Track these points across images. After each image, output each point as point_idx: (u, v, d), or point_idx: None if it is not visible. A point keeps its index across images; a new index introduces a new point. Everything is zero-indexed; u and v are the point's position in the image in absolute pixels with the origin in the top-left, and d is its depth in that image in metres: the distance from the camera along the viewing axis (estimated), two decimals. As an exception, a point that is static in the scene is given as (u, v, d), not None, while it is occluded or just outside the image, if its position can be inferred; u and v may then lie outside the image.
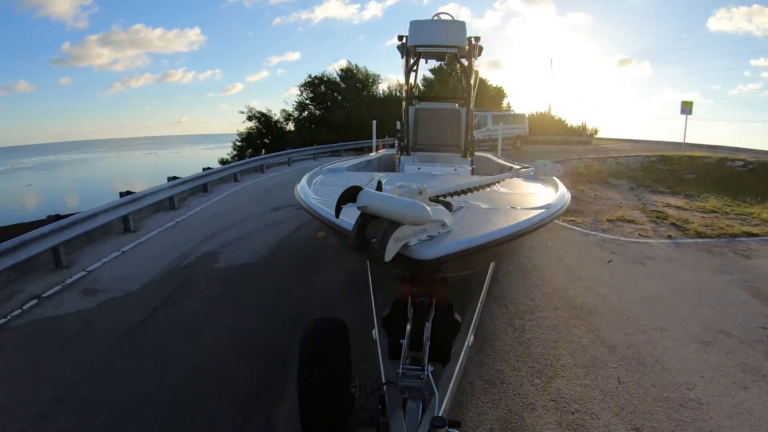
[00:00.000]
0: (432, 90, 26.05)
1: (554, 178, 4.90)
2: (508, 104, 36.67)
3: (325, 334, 2.32)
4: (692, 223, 8.21)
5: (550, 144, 27.40)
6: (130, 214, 7.89)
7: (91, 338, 4.11)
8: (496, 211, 3.36)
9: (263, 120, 28.04)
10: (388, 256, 2.01)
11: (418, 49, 7.24)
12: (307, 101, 29.43)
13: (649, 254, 6.40)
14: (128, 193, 8.22)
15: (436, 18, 7.59)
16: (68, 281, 5.48)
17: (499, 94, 34.96)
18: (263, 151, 19.77)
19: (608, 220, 8.24)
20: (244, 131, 27.92)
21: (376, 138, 9.17)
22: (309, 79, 29.10)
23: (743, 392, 3.27)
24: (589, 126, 34.65)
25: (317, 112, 28.90)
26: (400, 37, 7.47)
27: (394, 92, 28.95)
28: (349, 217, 2.29)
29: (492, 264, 4.35)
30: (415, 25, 7.18)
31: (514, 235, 2.74)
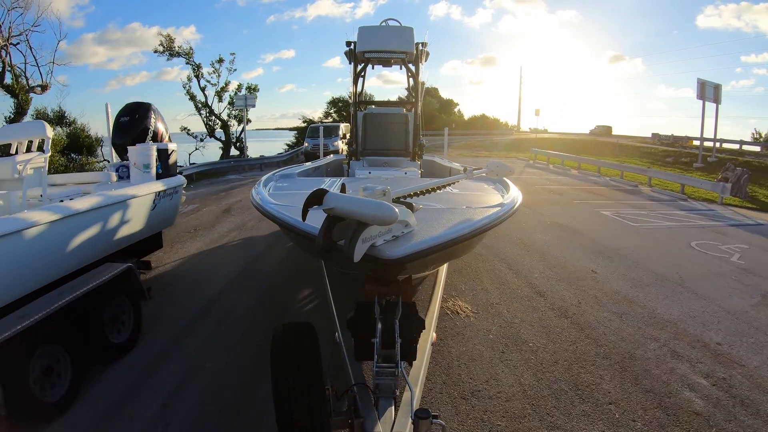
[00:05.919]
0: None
1: (505, 178, 4.88)
2: (459, 111, 52.23)
3: (295, 339, 2.36)
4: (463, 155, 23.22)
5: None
6: (264, 164, 23.05)
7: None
8: (455, 210, 3.46)
9: (308, 121, 44.27)
10: (357, 256, 2.03)
11: (367, 55, 7.29)
12: (331, 111, 45.34)
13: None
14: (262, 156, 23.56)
15: (384, 24, 7.75)
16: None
17: (450, 104, 50.37)
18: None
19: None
20: (298, 127, 44.44)
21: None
22: (331, 99, 45.20)
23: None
24: (546, 123, 51.59)
25: (338, 119, 44.68)
26: (348, 43, 7.36)
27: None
28: (313, 221, 2.34)
29: (446, 264, 4.60)
30: (363, 31, 7.23)
31: (475, 231, 2.87)
